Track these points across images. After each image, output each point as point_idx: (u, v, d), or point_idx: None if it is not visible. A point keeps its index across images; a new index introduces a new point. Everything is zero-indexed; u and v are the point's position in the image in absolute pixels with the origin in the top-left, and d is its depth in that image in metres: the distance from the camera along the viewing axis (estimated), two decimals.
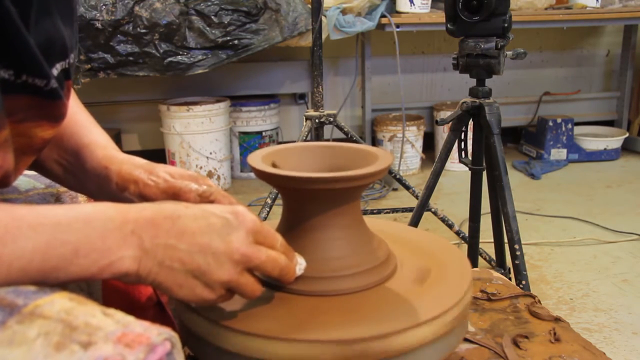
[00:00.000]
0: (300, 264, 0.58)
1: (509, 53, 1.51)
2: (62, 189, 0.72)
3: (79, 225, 0.47)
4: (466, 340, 0.73)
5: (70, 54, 0.57)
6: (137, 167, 0.64)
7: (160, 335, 0.43)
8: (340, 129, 2.04)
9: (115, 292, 0.70)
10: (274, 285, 0.62)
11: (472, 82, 1.55)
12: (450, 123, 1.60)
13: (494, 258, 1.73)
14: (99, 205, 0.49)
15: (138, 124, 3.13)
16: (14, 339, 0.40)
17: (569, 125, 3.16)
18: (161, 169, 0.64)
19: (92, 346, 0.40)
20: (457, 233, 2.00)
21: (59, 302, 0.44)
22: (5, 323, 0.41)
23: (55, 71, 0.54)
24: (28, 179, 0.71)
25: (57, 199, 0.73)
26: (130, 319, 0.44)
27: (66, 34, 0.55)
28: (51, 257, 0.46)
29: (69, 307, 0.43)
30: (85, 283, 0.68)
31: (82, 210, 0.48)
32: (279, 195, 0.63)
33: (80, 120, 0.70)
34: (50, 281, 0.46)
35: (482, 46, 1.46)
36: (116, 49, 2.41)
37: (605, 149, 3.19)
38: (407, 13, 2.71)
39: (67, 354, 0.40)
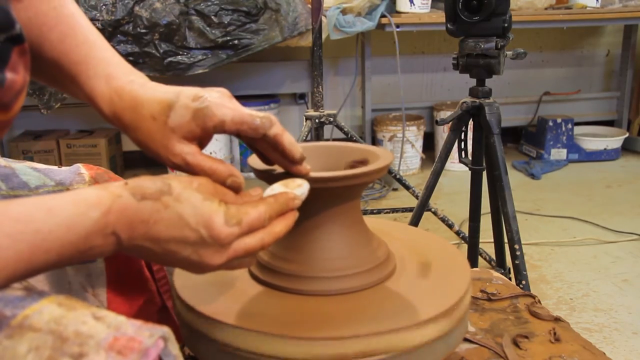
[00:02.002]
0: (302, 190, 0.57)
1: (509, 53, 1.51)
2: (72, 187, 0.70)
3: (60, 232, 0.46)
4: (466, 340, 0.73)
5: (16, 23, 0.54)
6: (153, 134, 0.58)
7: (152, 336, 0.43)
8: (340, 129, 2.04)
9: (120, 295, 0.70)
10: (274, 285, 0.62)
11: (472, 82, 1.55)
12: (450, 123, 1.60)
13: (494, 258, 1.73)
14: (81, 205, 0.47)
15: None
16: (4, 355, 0.40)
17: (569, 125, 3.16)
18: (178, 143, 0.57)
19: (83, 358, 0.40)
20: (457, 233, 2.00)
21: (48, 310, 0.43)
22: None
23: None
24: (39, 174, 0.69)
25: None
26: (121, 320, 0.44)
27: (3, 2, 0.52)
28: (35, 263, 0.45)
29: (58, 315, 0.43)
30: (90, 285, 0.68)
31: (63, 215, 0.46)
32: None
33: (72, 35, 0.64)
34: (36, 274, 0.47)
35: (482, 46, 1.46)
36: (116, 49, 2.39)
37: (605, 149, 3.19)
38: (407, 13, 2.71)
39: None
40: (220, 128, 0.57)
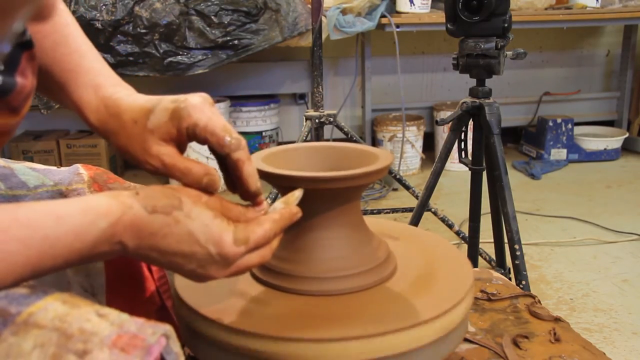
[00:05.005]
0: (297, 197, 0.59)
1: (509, 53, 1.51)
2: (71, 187, 0.70)
3: (68, 240, 0.46)
4: (466, 340, 0.73)
5: (26, 29, 0.55)
6: (132, 137, 0.58)
7: (154, 334, 0.43)
8: (340, 129, 2.04)
9: (119, 295, 0.70)
10: (275, 285, 0.62)
11: (472, 82, 1.55)
12: (450, 123, 1.59)
13: (494, 258, 1.73)
14: (90, 214, 0.48)
15: None
16: (10, 352, 0.40)
17: (569, 125, 3.16)
18: (155, 145, 0.57)
19: (87, 355, 0.40)
20: (457, 233, 2.00)
21: (53, 308, 0.43)
22: (0, 335, 0.41)
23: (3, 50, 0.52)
24: (37, 174, 0.69)
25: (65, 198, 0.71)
26: (124, 318, 0.44)
27: None
28: (42, 268, 0.46)
29: (62, 312, 0.43)
30: (89, 285, 0.68)
31: (71, 223, 0.47)
32: (279, 195, 0.63)
33: (67, 53, 0.65)
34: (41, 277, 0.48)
35: (482, 46, 1.46)
36: (116, 49, 2.41)
37: (605, 149, 3.19)
38: (407, 13, 2.71)
39: None
40: (192, 131, 0.57)
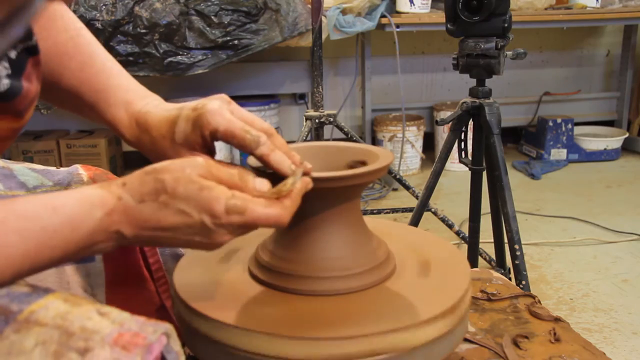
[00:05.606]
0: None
1: (509, 53, 1.51)
2: (70, 187, 0.70)
3: (66, 231, 0.47)
4: (466, 340, 0.73)
5: (33, 35, 0.55)
6: (166, 153, 0.60)
7: (155, 332, 0.43)
8: (340, 129, 2.04)
9: (118, 295, 0.70)
10: (274, 285, 0.62)
11: (472, 82, 1.55)
12: (450, 123, 1.60)
13: (494, 258, 1.73)
14: (85, 204, 0.48)
15: None
16: (12, 349, 0.41)
17: (569, 125, 3.16)
18: (188, 156, 0.57)
19: (89, 353, 0.41)
20: (457, 233, 2.00)
21: (54, 306, 0.44)
22: (2, 333, 0.41)
23: (10, 56, 0.52)
24: (36, 175, 0.70)
25: None
26: (125, 316, 0.44)
27: None
28: (40, 260, 0.47)
29: (63, 310, 0.43)
30: (89, 285, 0.68)
31: (67, 214, 0.47)
32: None
33: (94, 67, 0.67)
34: (40, 272, 0.48)
35: (482, 46, 1.46)
36: (116, 49, 2.41)
37: (605, 149, 3.19)
38: (407, 13, 2.71)
39: None
40: (215, 137, 0.58)
